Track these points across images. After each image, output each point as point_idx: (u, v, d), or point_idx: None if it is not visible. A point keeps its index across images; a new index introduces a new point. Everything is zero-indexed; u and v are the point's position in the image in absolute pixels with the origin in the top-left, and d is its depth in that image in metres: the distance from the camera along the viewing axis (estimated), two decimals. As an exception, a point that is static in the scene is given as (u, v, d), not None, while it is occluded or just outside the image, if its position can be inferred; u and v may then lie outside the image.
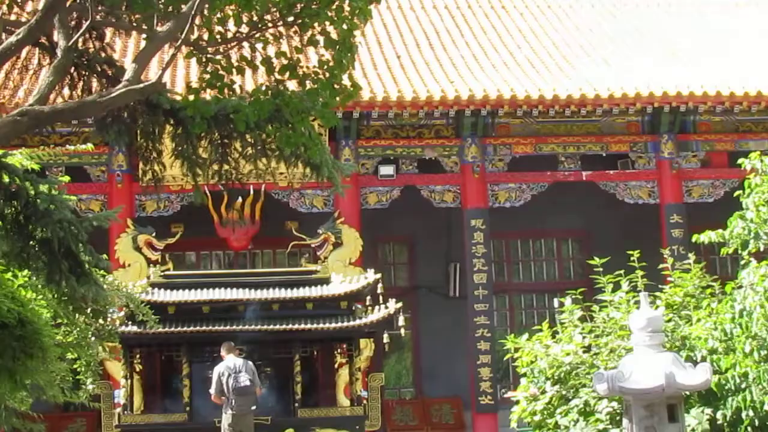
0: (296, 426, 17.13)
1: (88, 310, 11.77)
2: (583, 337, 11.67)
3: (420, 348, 26.46)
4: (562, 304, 12.53)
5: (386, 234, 26.15)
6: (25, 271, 9.78)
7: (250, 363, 16.63)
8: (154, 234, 23.32)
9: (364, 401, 17.57)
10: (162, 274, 18.01)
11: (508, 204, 24.17)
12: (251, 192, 23.42)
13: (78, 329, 12.14)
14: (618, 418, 10.68)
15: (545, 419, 12.03)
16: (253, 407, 16.16)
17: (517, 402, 12.37)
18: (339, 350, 18.54)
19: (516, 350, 12.40)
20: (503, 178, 24.26)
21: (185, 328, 17.09)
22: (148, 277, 17.79)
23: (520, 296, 27.08)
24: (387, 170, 24.06)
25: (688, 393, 9.72)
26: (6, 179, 8.55)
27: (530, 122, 24.30)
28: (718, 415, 10.28)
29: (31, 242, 8.63)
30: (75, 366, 12.54)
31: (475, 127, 24.01)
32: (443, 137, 24.28)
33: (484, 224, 23.93)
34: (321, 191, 23.98)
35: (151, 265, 21.02)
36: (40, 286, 10.19)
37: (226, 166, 8.54)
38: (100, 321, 12.04)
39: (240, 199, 23.48)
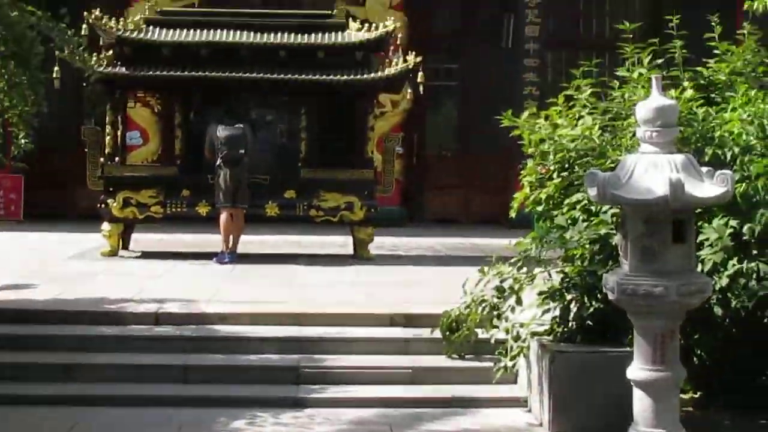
0: (298, 188, 15.40)
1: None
2: (594, 120, 9.50)
3: (468, 103, 24.36)
4: None
5: (437, -25, 23.75)
6: None
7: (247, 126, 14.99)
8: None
9: (378, 165, 15.72)
10: (158, 9, 16.02)
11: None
12: None
13: (8, 75, 10.36)
14: (624, 224, 8.65)
15: (550, 210, 10.05)
16: (242, 151, 14.66)
17: (523, 187, 10.38)
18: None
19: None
20: None
21: (179, 73, 15.21)
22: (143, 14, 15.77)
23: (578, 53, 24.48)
24: None
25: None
26: None
27: None
28: (745, 229, 8.24)
29: None
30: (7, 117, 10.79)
31: None
32: None
33: (540, -32, 21.51)
34: None
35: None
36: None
37: None
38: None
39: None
